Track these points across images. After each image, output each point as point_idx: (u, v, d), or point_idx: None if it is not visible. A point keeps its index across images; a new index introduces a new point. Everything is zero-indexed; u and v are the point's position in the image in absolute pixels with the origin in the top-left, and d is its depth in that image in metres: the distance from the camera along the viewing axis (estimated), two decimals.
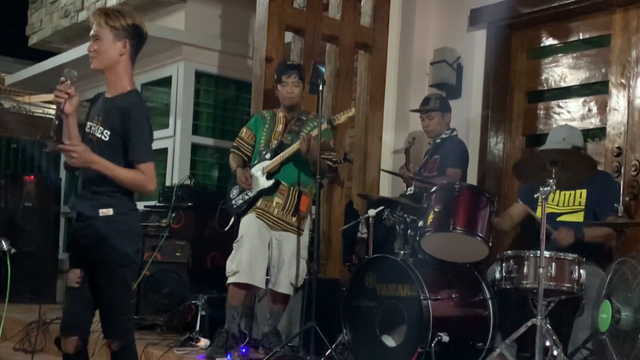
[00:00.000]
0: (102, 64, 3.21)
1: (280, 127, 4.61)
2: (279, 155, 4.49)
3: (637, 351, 3.41)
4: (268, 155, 4.54)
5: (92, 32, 3.21)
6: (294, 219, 4.50)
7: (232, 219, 4.65)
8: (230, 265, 4.43)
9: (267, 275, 4.52)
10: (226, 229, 4.70)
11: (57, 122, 3.08)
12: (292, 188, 4.51)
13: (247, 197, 4.53)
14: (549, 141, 4.34)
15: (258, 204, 4.50)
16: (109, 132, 3.15)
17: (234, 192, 4.63)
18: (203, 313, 4.92)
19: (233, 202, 4.61)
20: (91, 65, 3.22)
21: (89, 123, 3.25)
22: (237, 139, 4.77)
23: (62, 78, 3.11)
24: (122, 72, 3.24)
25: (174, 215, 5.56)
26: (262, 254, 4.45)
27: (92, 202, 3.15)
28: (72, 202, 3.28)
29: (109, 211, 3.13)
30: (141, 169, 3.14)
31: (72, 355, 3.22)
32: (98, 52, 3.18)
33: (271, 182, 4.49)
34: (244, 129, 4.75)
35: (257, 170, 4.54)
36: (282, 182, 4.49)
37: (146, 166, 3.15)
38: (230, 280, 4.43)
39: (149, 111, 3.32)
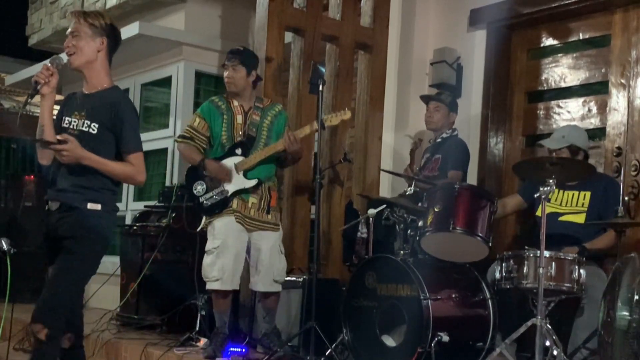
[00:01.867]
0: (81, 60, 3.29)
1: (240, 118, 4.45)
2: (256, 154, 4.36)
3: (635, 351, 3.41)
4: (239, 151, 4.40)
5: (70, 30, 3.30)
6: (269, 216, 4.44)
7: (204, 219, 4.46)
8: (211, 271, 4.30)
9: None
10: (198, 229, 4.57)
11: (28, 99, 3.16)
12: (263, 185, 4.42)
13: (222, 197, 4.36)
14: (550, 138, 4.35)
15: (234, 205, 4.35)
16: (97, 125, 3.23)
17: (199, 188, 4.39)
18: (203, 313, 4.92)
19: (202, 200, 4.39)
20: (70, 63, 3.29)
21: (67, 118, 3.30)
22: (187, 128, 4.51)
23: (48, 62, 3.20)
24: (100, 69, 3.33)
25: (174, 215, 5.55)
26: (242, 258, 4.39)
27: (79, 196, 3.20)
28: (52, 193, 3.29)
29: (97, 206, 3.21)
30: (130, 160, 3.25)
31: (68, 350, 3.25)
32: (77, 48, 3.26)
33: (254, 181, 4.36)
34: (196, 118, 4.51)
35: (230, 168, 4.38)
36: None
37: (135, 157, 3.26)
38: (212, 286, 4.33)
39: (133, 104, 3.43)
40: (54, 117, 3.33)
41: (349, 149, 5.54)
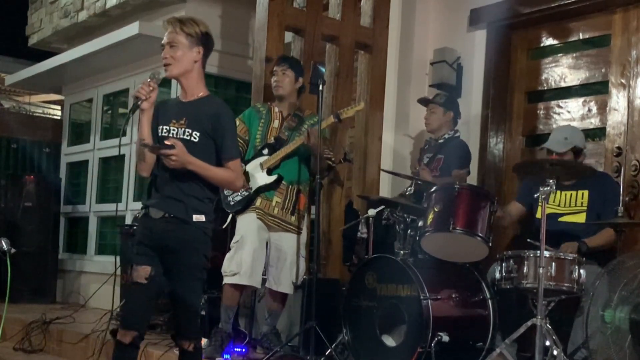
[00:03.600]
0: (179, 71, 3.32)
1: (276, 123, 4.57)
2: (279, 151, 4.46)
3: (631, 349, 3.42)
4: (266, 151, 4.50)
5: (166, 40, 3.30)
6: (293, 218, 4.50)
7: (230, 217, 4.59)
8: (229, 265, 4.39)
9: (264, 274, 4.51)
10: (224, 226, 4.67)
11: (130, 114, 3.21)
12: (290, 186, 4.49)
13: (245, 194, 4.46)
14: (551, 140, 4.34)
15: (257, 203, 4.44)
16: (198, 134, 3.26)
17: None
18: (203, 313, 4.91)
19: (230, 199, 4.52)
20: (166, 73, 3.32)
21: (164, 127, 3.31)
22: None
23: (149, 78, 3.24)
24: (197, 78, 3.39)
25: None
26: (262, 255, 4.44)
27: (184, 205, 3.22)
28: (155, 201, 3.29)
29: (202, 217, 3.24)
30: (230, 167, 3.27)
31: (127, 346, 3.31)
32: (175, 59, 3.28)
33: (274, 177, 4.44)
34: (237, 122, 4.61)
35: (255, 167, 4.49)
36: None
37: (234, 163, 3.30)
38: (228, 280, 4.39)
39: (233, 113, 3.48)
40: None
41: (349, 149, 5.55)
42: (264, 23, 5.06)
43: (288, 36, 5.26)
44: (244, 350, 4.35)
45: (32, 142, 9.23)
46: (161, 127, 3.31)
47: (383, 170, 5.42)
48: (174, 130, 3.28)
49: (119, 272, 5.93)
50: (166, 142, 3.18)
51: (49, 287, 7.88)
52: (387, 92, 5.66)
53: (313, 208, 4.66)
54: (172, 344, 4.73)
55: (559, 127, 4.67)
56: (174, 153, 3.13)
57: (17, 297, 6.84)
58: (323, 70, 4.51)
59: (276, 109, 4.62)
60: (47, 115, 10.97)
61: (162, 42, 3.31)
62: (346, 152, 5.20)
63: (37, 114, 10.84)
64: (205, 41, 3.34)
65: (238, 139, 4.57)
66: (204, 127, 3.26)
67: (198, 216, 3.23)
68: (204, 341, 4.67)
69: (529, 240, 4.00)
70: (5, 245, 4.03)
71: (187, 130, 3.27)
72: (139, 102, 3.19)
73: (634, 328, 3.56)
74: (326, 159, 4.54)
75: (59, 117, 10.48)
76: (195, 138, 3.25)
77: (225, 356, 4.29)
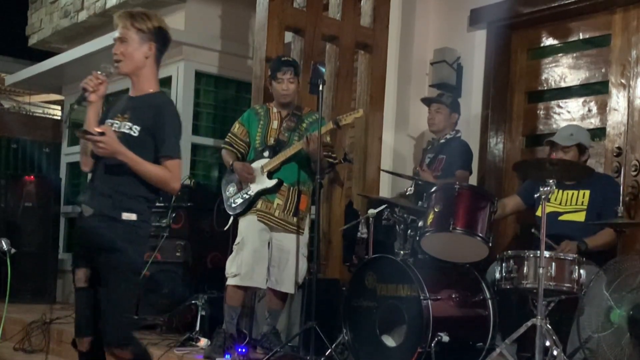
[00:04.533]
0: (129, 68, 3.23)
1: (275, 124, 4.56)
2: (279, 154, 4.46)
3: (630, 349, 3.42)
4: (266, 154, 4.51)
5: (117, 35, 3.22)
6: (295, 219, 4.50)
7: (231, 219, 4.60)
8: (231, 267, 4.42)
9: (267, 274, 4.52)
10: (225, 228, 4.68)
11: (74, 106, 3.13)
12: (291, 188, 4.50)
13: (246, 197, 4.47)
14: (557, 135, 4.35)
15: (258, 205, 4.44)
16: (138, 128, 3.16)
17: (231, 190, 4.55)
18: (203, 313, 4.92)
19: (231, 201, 4.54)
20: (117, 69, 3.22)
21: (109, 120, 3.23)
22: (229, 134, 4.68)
23: (99, 71, 3.16)
24: (148, 75, 3.27)
25: (174, 215, 5.56)
26: (263, 255, 4.45)
27: (114, 202, 3.10)
28: (86, 197, 3.19)
29: (132, 216, 3.11)
30: (167, 166, 3.15)
31: (87, 353, 3.20)
32: (125, 55, 3.20)
33: (274, 181, 4.45)
34: (237, 125, 4.66)
35: (257, 169, 4.50)
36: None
37: (172, 163, 3.16)
38: (230, 282, 4.42)
39: (177, 111, 3.35)
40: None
41: (349, 149, 5.54)
42: (264, 23, 5.06)
43: (288, 36, 5.26)
44: (244, 350, 4.35)
45: (32, 142, 9.24)
46: (107, 120, 3.24)
47: (383, 170, 5.42)
48: (117, 124, 3.19)
49: None
50: (97, 129, 3.06)
51: (49, 287, 7.88)
52: (387, 92, 5.66)
53: (313, 208, 4.66)
54: (172, 344, 4.74)
55: (565, 126, 4.68)
56: (100, 139, 3.02)
57: (17, 297, 6.84)
58: (323, 70, 4.50)
59: (274, 110, 4.61)
60: (47, 115, 10.97)
61: (114, 37, 3.24)
62: (346, 152, 5.20)
63: (37, 114, 10.84)
64: (158, 37, 3.23)
65: (238, 140, 4.61)
66: (145, 122, 3.16)
67: (128, 214, 3.09)
68: (204, 341, 4.69)
69: (533, 230, 4.00)
70: (5, 245, 4.03)
71: (127, 123, 3.17)
72: (86, 95, 3.12)
73: (633, 327, 3.55)
74: (326, 157, 4.53)
75: (59, 117, 10.49)
76: (134, 132, 3.15)
77: (227, 356, 4.29)
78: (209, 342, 4.58)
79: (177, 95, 6.96)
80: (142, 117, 3.17)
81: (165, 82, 7.16)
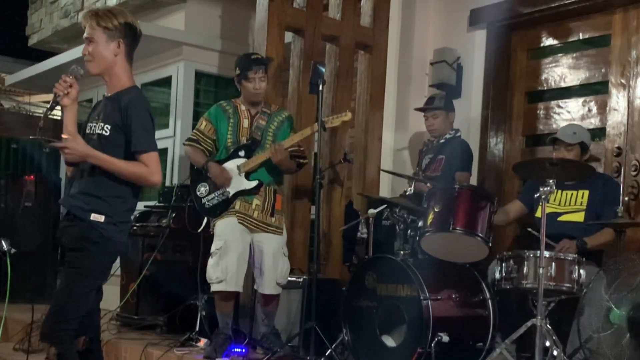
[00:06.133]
0: (99, 69, 3.19)
1: (246, 122, 4.47)
2: (258, 156, 4.38)
3: (630, 349, 3.42)
4: (242, 153, 4.42)
5: (85, 35, 3.18)
6: (273, 219, 4.44)
7: (205, 220, 4.49)
8: (214, 272, 4.31)
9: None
10: (199, 230, 4.60)
11: (48, 112, 3.10)
12: (267, 187, 4.44)
13: (223, 198, 4.37)
14: (561, 133, 4.35)
15: (237, 206, 4.36)
16: (109, 127, 3.13)
17: (202, 190, 4.42)
18: (203, 313, 4.92)
19: (204, 202, 4.41)
20: (88, 69, 3.19)
21: (89, 124, 3.22)
22: (195, 131, 4.55)
23: (69, 73, 3.12)
24: (120, 72, 3.22)
25: (174, 215, 5.55)
26: (246, 259, 4.40)
27: (84, 205, 3.09)
28: (64, 199, 3.23)
29: (100, 218, 3.07)
30: (143, 160, 3.09)
31: (84, 352, 3.20)
32: (93, 55, 3.16)
33: (254, 183, 4.38)
34: (203, 122, 4.53)
35: (232, 168, 4.41)
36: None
37: (148, 157, 3.10)
38: (216, 288, 4.34)
39: (148, 104, 3.27)
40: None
41: (349, 149, 5.54)
42: (264, 23, 5.06)
43: (288, 36, 5.26)
44: (244, 350, 4.35)
45: (32, 142, 9.23)
46: (87, 125, 3.23)
47: (383, 170, 5.42)
48: (94, 126, 3.18)
49: (119, 272, 5.94)
50: (63, 135, 3.05)
51: (49, 287, 7.87)
52: (387, 92, 5.66)
53: (313, 208, 4.65)
54: (172, 344, 4.74)
55: (568, 124, 4.68)
56: (61, 145, 3.00)
57: (17, 297, 6.83)
58: (323, 70, 4.49)
59: (242, 107, 4.50)
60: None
61: (83, 36, 3.19)
62: (346, 152, 5.20)
63: (37, 114, 10.84)
64: (126, 33, 3.18)
65: (205, 137, 4.47)
66: (115, 119, 3.11)
67: (96, 216, 3.05)
68: (204, 341, 4.69)
69: (529, 229, 3.99)
70: (5, 245, 4.03)
71: (101, 124, 3.15)
72: (58, 99, 3.09)
73: (633, 327, 3.56)
74: (295, 157, 4.45)
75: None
76: (106, 132, 3.12)
77: (225, 357, 4.28)
78: (209, 342, 4.58)
79: (177, 95, 6.96)
80: (111, 116, 3.14)
81: (165, 82, 7.17)
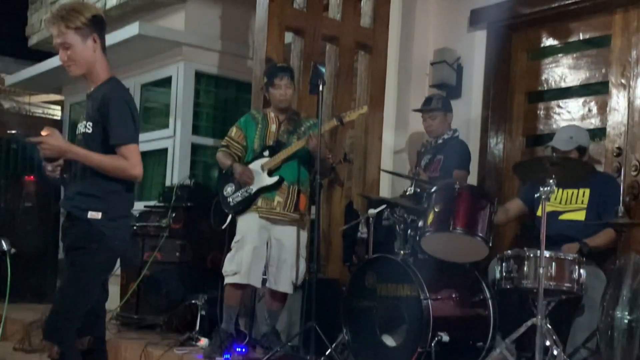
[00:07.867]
0: (81, 70, 3.15)
1: (274, 127, 4.58)
2: (280, 153, 4.47)
3: (635, 352, 3.42)
4: (266, 153, 4.52)
5: (58, 41, 3.10)
6: (295, 215, 4.50)
7: (229, 217, 4.59)
8: (230, 265, 4.42)
9: (264, 274, 4.51)
10: (224, 227, 4.67)
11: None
12: (291, 186, 4.50)
13: (246, 195, 4.48)
14: (556, 139, 4.35)
15: (259, 203, 4.46)
16: (91, 124, 3.11)
17: (228, 189, 4.55)
18: (203, 313, 4.92)
19: (230, 200, 4.54)
20: (70, 73, 3.15)
21: (78, 125, 3.22)
22: (226, 137, 4.70)
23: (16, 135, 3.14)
24: (99, 66, 3.17)
25: (174, 215, 5.56)
26: (262, 254, 4.45)
27: (80, 204, 3.09)
28: (63, 201, 3.24)
29: (98, 215, 3.06)
30: (122, 153, 3.04)
31: (86, 352, 3.19)
32: (72, 60, 3.10)
33: (275, 178, 4.46)
34: (234, 129, 4.68)
35: (256, 167, 4.51)
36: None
37: (127, 149, 3.05)
38: (229, 280, 4.42)
39: (127, 95, 3.21)
40: None
41: (349, 149, 5.55)
42: (264, 23, 5.06)
43: (288, 37, 5.26)
44: (244, 350, 4.35)
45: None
46: (77, 126, 3.23)
47: (383, 170, 5.42)
48: (80, 126, 3.17)
49: (119, 272, 5.94)
50: (42, 132, 3.01)
51: (49, 287, 7.88)
52: (387, 93, 5.66)
53: (313, 208, 4.66)
54: (172, 344, 4.75)
55: (564, 127, 4.68)
56: (37, 140, 2.98)
57: (17, 297, 6.84)
58: (323, 70, 4.51)
59: (272, 114, 4.63)
60: (47, 116, 10.96)
61: (54, 42, 3.12)
62: (346, 152, 5.20)
63: (37, 114, 10.84)
64: (96, 25, 3.10)
65: (234, 142, 4.59)
66: (94, 115, 3.09)
67: (93, 213, 3.04)
68: (203, 341, 4.69)
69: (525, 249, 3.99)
70: (5, 245, 4.03)
71: (84, 122, 3.13)
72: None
73: (633, 327, 3.55)
74: (327, 159, 4.55)
75: (59, 117, 10.48)
76: (89, 129, 3.10)
77: (226, 356, 4.29)
78: (209, 342, 4.58)
79: (177, 96, 6.96)
80: (91, 112, 3.12)
81: (165, 82, 7.17)
